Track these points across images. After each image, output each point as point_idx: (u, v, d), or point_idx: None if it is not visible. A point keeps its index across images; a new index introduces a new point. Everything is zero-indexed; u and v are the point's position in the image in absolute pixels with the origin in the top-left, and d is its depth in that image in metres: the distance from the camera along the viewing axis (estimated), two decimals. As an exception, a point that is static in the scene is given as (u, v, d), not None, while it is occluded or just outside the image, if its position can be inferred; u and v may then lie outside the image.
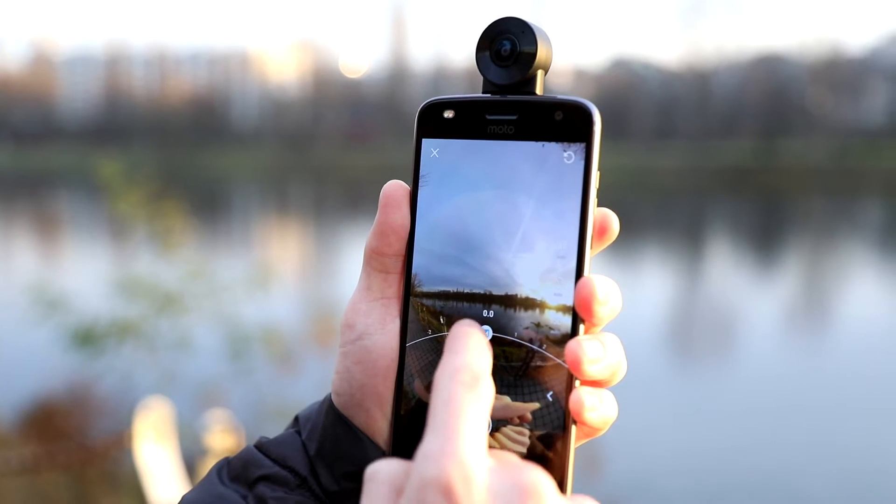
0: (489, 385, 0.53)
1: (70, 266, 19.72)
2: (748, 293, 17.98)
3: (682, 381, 11.08)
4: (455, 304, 0.62)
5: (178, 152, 72.51)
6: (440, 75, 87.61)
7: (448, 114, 0.64)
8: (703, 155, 61.24)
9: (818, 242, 27.43)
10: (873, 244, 26.54)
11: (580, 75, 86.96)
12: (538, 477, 0.48)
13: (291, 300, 12.46)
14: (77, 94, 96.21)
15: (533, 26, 0.62)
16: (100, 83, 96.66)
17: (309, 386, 6.45)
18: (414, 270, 0.64)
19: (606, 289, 0.58)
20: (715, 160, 59.27)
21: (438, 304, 0.63)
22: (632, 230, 24.52)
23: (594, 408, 0.58)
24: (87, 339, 6.83)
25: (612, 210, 0.62)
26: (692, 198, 44.88)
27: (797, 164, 58.06)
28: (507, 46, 0.62)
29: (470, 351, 0.53)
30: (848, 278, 20.00)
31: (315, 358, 7.51)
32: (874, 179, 50.86)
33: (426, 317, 0.63)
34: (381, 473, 0.50)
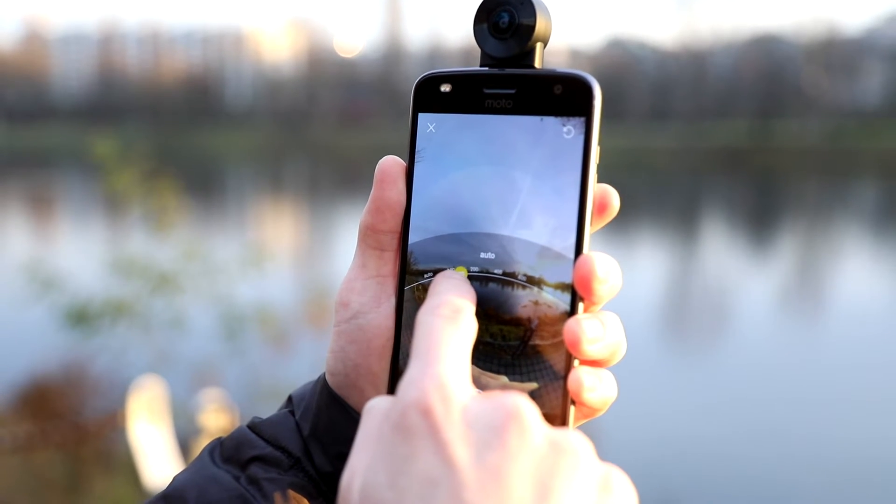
0: (471, 320, 0.54)
1: (64, 245, 19.69)
2: (743, 274, 18.02)
3: (675, 361, 11.11)
4: (451, 281, 0.61)
5: (172, 131, 72.37)
6: (435, 54, 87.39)
7: (445, 87, 0.63)
8: (699, 135, 61.27)
9: (813, 223, 27.48)
10: (868, 225, 26.59)
11: (576, 55, 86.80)
12: (521, 401, 0.48)
13: (286, 280, 12.45)
14: (70, 73, 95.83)
15: None
16: (93, 62, 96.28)
17: (303, 366, 6.45)
18: (409, 248, 0.63)
19: (606, 266, 0.57)
20: (710, 141, 59.31)
21: None
22: (626, 211, 24.51)
23: (593, 388, 0.57)
24: (81, 318, 6.82)
25: (608, 190, 0.61)
26: (687, 178, 44.90)
27: (792, 144, 58.12)
28: (506, 18, 0.61)
29: (450, 290, 0.56)
30: (842, 259, 20.04)
31: (309, 338, 7.51)
32: (869, 160, 50.93)
33: (422, 295, 0.62)
34: (376, 408, 0.50)
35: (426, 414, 0.47)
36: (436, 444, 0.46)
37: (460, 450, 0.45)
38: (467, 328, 0.53)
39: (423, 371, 0.49)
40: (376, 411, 0.50)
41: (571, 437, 0.48)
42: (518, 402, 0.47)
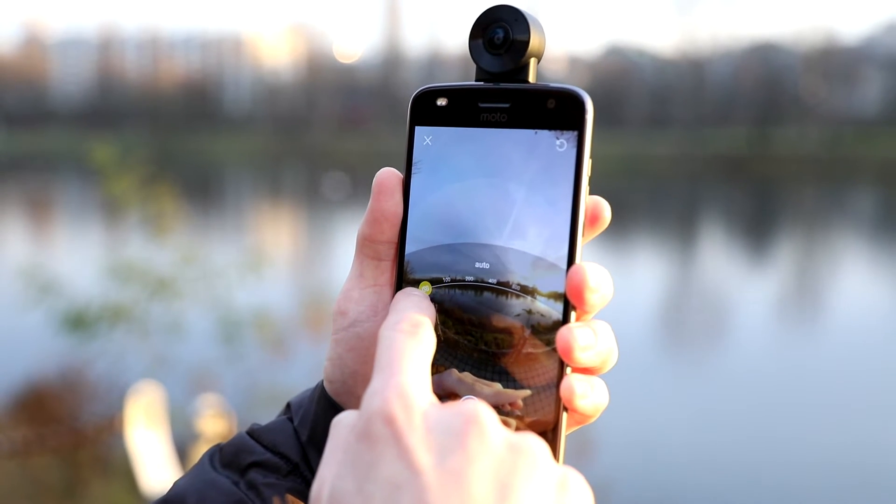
0: (429, 333, 0.56)
1: (62, 250, 19.68)
2: (740, 281, 18.02)
3: (673, 368, 11.11)
4: (447, 291, 0.63)
5: (171, 136, 72.30)
6: (434, 61, 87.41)
7: (441, 101, 0.64)
8: (697, 143, 61.25)
9: (811, 231, 27.49)
10: (866, 233, 26.60)
11: (574, 62, 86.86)
12: (480, 407, 0.50)
13: (284, 285, 12.45)
14: (69, 78, 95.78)
15: (526, 14, 0.62)
16: (92, 66, 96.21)
17: (301, 371, 6.45)
18: (406, 258, 0.64)
19: (598, 276, 0.58)
20: (708, 148, 59.30)
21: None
22: (625, 217, 24.56)
23: (585, 395, 0.58)
24: (78, 323, 6.81)
25: (606, 197, 0.62)
26: (686, 185, 44.91)
27: (790, 152, 58.12)
28: (500, 34, 0.62)
29: (409, 307, 0.58)
30: (840, 267, 20.05)
31: (307, 343, 7.51)
32: (867, 168, 50.95)
33: (418, 304, 0.64)
34: (343, 422, 0.52)
35: (389, 422, 0.48)
36: (399, 450, 0.47)
37: (423, 454, 0.47)
38: (426, 341, 0.55)
39: (386, 382, 0.51)
40: (343, 424, 0.52)
41: (529, 439, 0.49)
42: (477, 408, 0.49)
